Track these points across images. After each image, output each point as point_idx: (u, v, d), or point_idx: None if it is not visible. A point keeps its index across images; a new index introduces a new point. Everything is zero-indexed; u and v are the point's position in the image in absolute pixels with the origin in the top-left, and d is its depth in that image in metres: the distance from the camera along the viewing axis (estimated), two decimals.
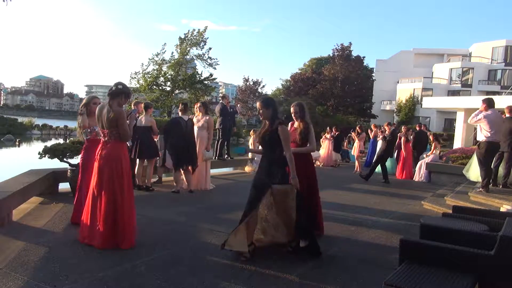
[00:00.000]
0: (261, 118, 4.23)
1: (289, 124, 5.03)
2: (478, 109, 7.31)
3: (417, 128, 13.64)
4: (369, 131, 14.31)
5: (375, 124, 14.85)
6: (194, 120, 7.96)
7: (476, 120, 7.05)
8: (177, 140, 7.30)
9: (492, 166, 7.39)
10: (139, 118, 7.39)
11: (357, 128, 14.15)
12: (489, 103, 7.15)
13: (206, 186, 7.99)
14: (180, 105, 7.89)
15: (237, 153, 4.48)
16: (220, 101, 11.78)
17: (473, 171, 8.03)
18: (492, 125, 6.93)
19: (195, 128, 7.88)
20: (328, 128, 15.85)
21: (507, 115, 7.34)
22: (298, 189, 3.98)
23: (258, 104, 4.19)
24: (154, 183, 8.25)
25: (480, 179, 7.79)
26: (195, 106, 8.56)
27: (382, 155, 10.94)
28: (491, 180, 7.39)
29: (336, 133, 15.16)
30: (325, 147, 15.10)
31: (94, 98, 5.28)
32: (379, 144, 12.83)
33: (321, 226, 4.99)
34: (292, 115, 4.95)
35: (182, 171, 7.51)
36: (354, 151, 13.55)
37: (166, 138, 7.52)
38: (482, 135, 7.06)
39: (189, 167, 7.49)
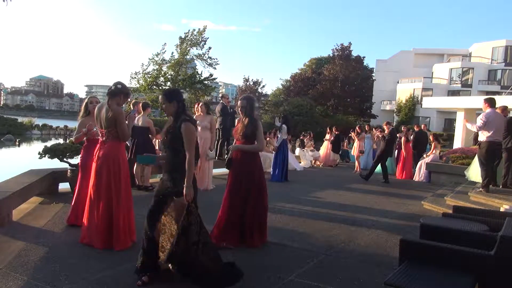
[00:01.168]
0: (165, 114, 3.56)
1: (236, 120, 4.79)
2: (478, 109, 7.31)
3: (416, 128, 13.66)
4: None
5: (369, 125, 14.91)
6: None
7: (482, 123, 6.93)
8: None
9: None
10: (136, 118, 7.37)
11: (357, 128, 14.15)
12: (491, 103, 7.16)
13: (208, 186, 8.02)
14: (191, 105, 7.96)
15: (143, 163, 4.03)
16: (221, 101, 11.82)
17: (473, 171, 8.04)
18: (492, 125, 6.93)
19: (198, 128, 7.90)
20: (328, 128, 15.84)
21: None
22: (189, 202, 3.20)
23: (160, 98, 3.56)
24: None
25: (478, 179, 7.79)
26: (196, 106, 8.56)
27: (381, 155, 10.97)
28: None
29: (336, 133, 15.17)
30: (324, 147, 15.12)
31: (91, 98, 5.28)
32: (366, 143, 12.92)
33: (265, 234, 4.60)
34: (239, 109, 4.53)
35: None
36: (354, 151, 13.56)
37: None
38: (483, 135, 7.06)
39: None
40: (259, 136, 4.44)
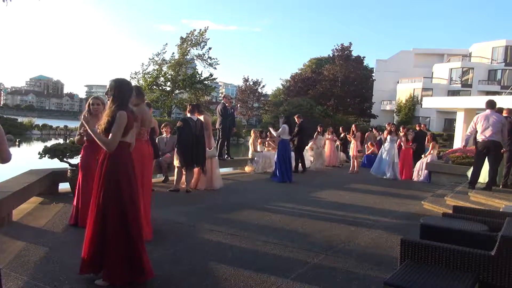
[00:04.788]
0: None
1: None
2: (478, 109, 7.39)
3: (417, 128, 13.64)
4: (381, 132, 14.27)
5: (356, 125, 14.72)
6: None
7: (470, 128, 7.14)
8: (186, 139, 7.34)
9: (477, 166, 7.48)
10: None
11: (353, 127, 14.06)
12: (489, 105, 7.24)
13: (213, 185, 7.98)
14: (188, 106, 7.96)
15: None
16: (222, 101, 11.83)
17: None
18: (483, 125, 7.01)
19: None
20: (330, 128, 15.81)
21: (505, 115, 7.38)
22: None
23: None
24: (162, 182, 8.57)
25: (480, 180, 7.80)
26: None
27: (296, 147, 11.80)
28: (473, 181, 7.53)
29: (344, 133, 15.19)
30: (326, 147, 15.08)
31: (93, 99, 5.05)
32: (391, 146, 12.47)
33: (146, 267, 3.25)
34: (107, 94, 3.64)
35: (183, 170, 7.54)
36: (352, 151, 13.54)
37: (177, 137, 7.67)
38: (478, 136, 7.19)
39: (198, 168, 7.59)
40: (113, 130, 3.22)
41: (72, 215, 4.92)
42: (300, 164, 12.01)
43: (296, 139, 11.76)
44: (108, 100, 3.45)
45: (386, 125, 11.81)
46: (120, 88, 3.36)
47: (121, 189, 3.23)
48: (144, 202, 4.36)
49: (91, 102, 4.96)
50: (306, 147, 15.08)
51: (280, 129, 10.34)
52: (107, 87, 3.59)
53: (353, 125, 14.36)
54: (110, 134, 3.20)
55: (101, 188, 3.26)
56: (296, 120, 12.13)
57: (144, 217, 4.37)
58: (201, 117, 7.91)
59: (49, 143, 7.29)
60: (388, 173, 11.48)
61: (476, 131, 7.31)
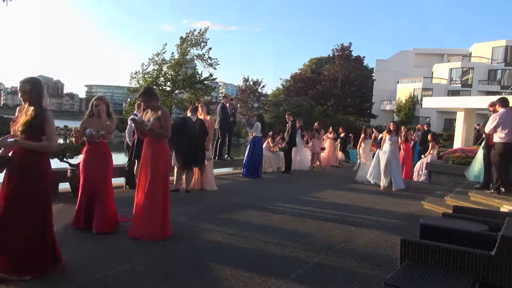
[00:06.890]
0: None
1: (17, 110, 3.63)
2: (478, 109, 7.25)
3: (426, 128, 13.64)
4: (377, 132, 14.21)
5: (318, 122, 14.52)
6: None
7: (494, 126, 6.68)
8: (184, 139, 7.32)
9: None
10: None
11: (315, 125, 13.96)
12: (504, 103, 6.84)
13: (206, 187, 7.95)
14: (196, 104, 7.97)
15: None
16: (221, 101, 11.83)
17: (473, 171, 8.03)
18: (506, 125, 6.64)
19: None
20: (330, 128, 15.79)
21: None
22: None
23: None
24: None
25: (479, 179, 7.77)
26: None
27: (287, 146, 11.70)
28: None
29: (342, 134, 15.21)
30: (326, 147, 15.08)
31: (97, 100, 4.87)
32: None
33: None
34: (20, 96, 3.44)
35: (184, 170, 7.53)
36: (314, 148, 13.56)
37: (175, 137, 7.59)
38: (497, 136, 6.76)
39: (197, 168, 7.58)
40: (49, 132, 3.25)
41: (75, 217, 4.84)
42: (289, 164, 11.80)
43: (288, 137, 11.68)
44: (23, 101, 3.39)
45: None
46: (36, 88, 3.30)
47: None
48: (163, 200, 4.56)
49: (95, 103, 4.87)
50: (305, 148, 15.09)
51: (253, 127, 10.63)
52: (20, 88, 3.37)
53: (316, 123, 14.20)
54: (48, 138, 3.25)
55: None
56: (287, 119, 12.02)
57: (160, 217, 4.51)
58: (207, 118, 7.93)
59: None
60: (386, 181, 9.57)
61: (498, 132, 6.73)
